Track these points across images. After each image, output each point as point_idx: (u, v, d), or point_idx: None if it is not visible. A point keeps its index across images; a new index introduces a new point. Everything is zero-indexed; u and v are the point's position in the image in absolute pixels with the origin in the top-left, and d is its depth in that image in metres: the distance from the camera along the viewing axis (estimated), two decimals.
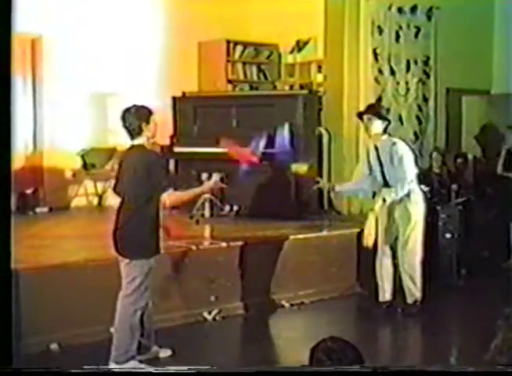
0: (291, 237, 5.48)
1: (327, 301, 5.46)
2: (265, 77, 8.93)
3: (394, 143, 4.84)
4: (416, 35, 7.33)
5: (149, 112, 3.80)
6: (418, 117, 7.40)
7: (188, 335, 4.50)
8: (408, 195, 4.87)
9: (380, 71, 7.09)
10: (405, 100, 7.30)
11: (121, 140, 7.65)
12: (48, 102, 7.34)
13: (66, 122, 7.37)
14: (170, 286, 4.77)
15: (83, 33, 7.39)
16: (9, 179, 2.69)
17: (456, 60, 7.39)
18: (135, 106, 3.83)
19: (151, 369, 3.46)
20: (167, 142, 7.01)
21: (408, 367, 2.50)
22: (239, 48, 8.69)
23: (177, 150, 6.90)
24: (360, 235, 5.76)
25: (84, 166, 7.50)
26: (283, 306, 5.29)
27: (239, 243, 5.21)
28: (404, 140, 5.14)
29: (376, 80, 7.05)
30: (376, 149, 4.88)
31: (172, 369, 2.70)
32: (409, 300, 5.02)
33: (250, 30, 8.62)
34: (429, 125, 7.53)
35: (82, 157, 7.49)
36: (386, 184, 4.91)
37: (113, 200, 7.66)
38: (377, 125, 4.84)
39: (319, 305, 5.37)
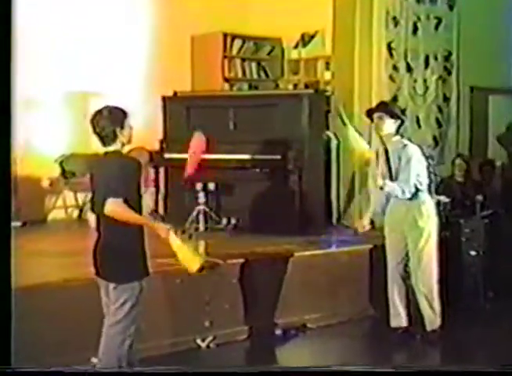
0: (296, 254, 5.51)
1: (336, 326, 5.49)
2: (266, 75, 8.99)
3: (405, 146, 4.89)
4: (437, 27, 7.38)
5: (124, 114, 3.77)
6: (438, 120, 7.43)
7: (178, 365, 4.51)
8: (418, 207, 4.90)
9: (396, 68, 7.14)
10: (423, 100, 7.34)
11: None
12: (22, 101, 7.40)
13: (43, 124, 7.39)
14: (158, 309, 4.78)
15: (61, 23, 7.39)
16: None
17: (482, 55, 7.41)
18: (107, 107, 3.77)
19: (151, 369, 3.50)
20: (156, 147, 7.06)
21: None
22: (237, 42, 8.76)
23: (167, 156, 6.94)
24: (373, 251, 5.83)
25: (63, 174, 7.53)
26: (286, 332, 5.31)
27: (238, 260, 5.24)
28: (420, 146, 5.18)
29: (390, 78, 7.10)
30: (386, 152, 4.91)
31: (173, 369, 2.75)
32: (429, 327, 5.04)
33: (249, 22, 8.68)
34: (450, 129, 7.57)
35: (61, 163, 7.52)
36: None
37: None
38: (389, 125, 4.88)
39: (326, 331, 5.40)
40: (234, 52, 8.74)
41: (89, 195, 7.64)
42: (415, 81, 7.27)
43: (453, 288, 5.87)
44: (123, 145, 3.77)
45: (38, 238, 6.62)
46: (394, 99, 7.07)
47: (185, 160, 6.52)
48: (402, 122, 4.97)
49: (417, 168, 4.88)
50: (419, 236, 4.92)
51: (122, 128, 3.72)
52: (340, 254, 5.80)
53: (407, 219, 4.92)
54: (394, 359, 4.97)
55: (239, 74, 8.79)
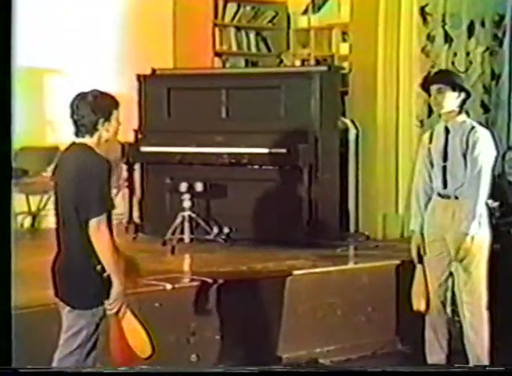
0: (303, 272, 5.57)
1: (355, 363, 5.53)
2: (268, 49, 9.04)
3: (473, 128, 4.84)
4: None
5: (114, 104, 3.85)
6: (484, 103, 7.48)
7: None
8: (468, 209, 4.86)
9: (431, 38, 7.18)
10: (465, 79, 7.35)
11: (65, 136, 7.89)
12: None
13: (15, 107, 7.42)
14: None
15: None
16: None
17: None
18: (93, 91, 3.84)
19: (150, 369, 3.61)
20: (130, 138, 7.11)
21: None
22: (231, 6, 8.81)
23: (144, 149, 7.00)
24: (400, 268, 5.88)
25: (12, 173, 7.58)
26: (292, 370, 5.36)
27: (231, 279, 5.29)
28: (491, 130, 5.16)
29: (424, 51, 7.15)
30: (447, 132, 4.90)
31: (171, 368, 2.87)
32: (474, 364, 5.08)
33: None
34: (500, 114, 7.61)
35: None
36: (444, 187, 4.94)
37: (53, 221, 7.81)
38: (451, 99, 4.84)
39: (344, 368, 5.43)
40: (227, 19, 8.79)
41: (45, 198, 7.81)
42: (455, 54, 7.30)
43: (505, 315, 5.93)
44: (99, 140, 3.82)
45: None
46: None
47: (166, 154, 6.60)
48: (468, 96, 4.92)
49: (489, 167, 4.82)
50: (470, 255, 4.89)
51: (107, 120, 3.79)
52: (359, 272, 5.85)
53: (453, 225, 4.89)
54: None
55: (234, 47, 8.84)
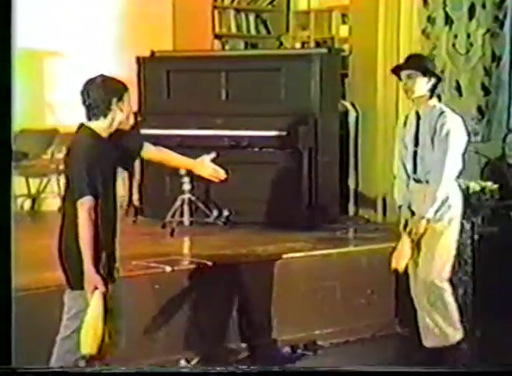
0: (303, 254, 5.61)
1: (354, 345, 5.58)
2: (267, 31, 9.04)
3: (442, 113, 4.85)
4: None
5: (124, 87, 3.92)
6: (484, 86, 7.48)
7: None
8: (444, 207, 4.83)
9: (431, 20, 7.18)
10: (466, 61, 7.38)
11: (65, 118, 7.90)
12: None
13: (15, 96, 7.43)
14: (132, 324, 4.88)
15: None
16: None
17: None
18: (101, 75, 3.92)
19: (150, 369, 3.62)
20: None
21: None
22: None
23: (144, 132, 7.00)
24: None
25: (12, 155, 7.60)
26: (293, 351, 5.41)
27: (231, 262, 5.34)
28: (461, 116, 5.20)
29: (424, 33, 7.14)
30: (418, 117, 4.91)
31: (172, 369, 2.91)
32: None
33: None
34: (500, 96, 7.60)
35: None
36: (415, 172, 4.92)
37: (53, 204, 7.83)
38: (421, 84, 4.84)
39: (342, 350, 5.49)
40: (226, 1, 8.80)
41: (44, 181, 7.82)
42: (455, 36, 7.30)
43: (503, 299, 5.96)
44: (112, 121, 3.86)
45: None
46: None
47: (165, 137, 6.60)
48: (439, 80, 4.93)
49: (457, 151, 4.83)
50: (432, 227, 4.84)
51: (120, 100, 3.86)
52: (358, 255, 5.88)
53: (424, 208, 4.82)
54: None
55: (233, 29, 8.84)
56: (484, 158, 6.96)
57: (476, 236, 5.92)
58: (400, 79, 4.96)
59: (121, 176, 7.93)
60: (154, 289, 5.00)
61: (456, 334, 5.04)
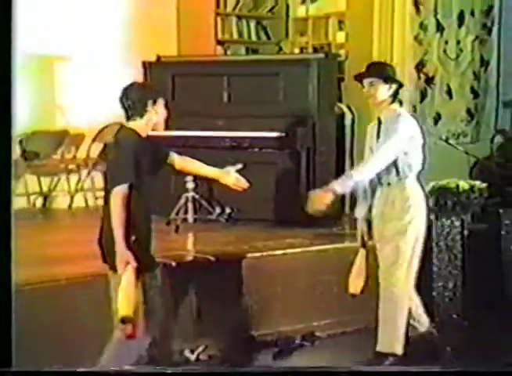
0: (301, 249, 5.59)
1: (351, 335, 5.55)
2: (267, 37, 9.04)
3: (399, 115, 4.76)
4: None
5: (158, 92, 4.19)
6: (473, 89, 7.47)
7: None
8: (401, 194, 4.77)
9: (423, 27, 7.18)
10: (456, 66, 7.39)
11: (74, 120, 7.89)
12: None
13: (15, 97, 7.40)
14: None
15: None
16: None
17: None
18: (137, 82, 4.26)
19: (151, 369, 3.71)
20: None
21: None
22: None
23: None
24: None
25: (24, 155, 7.59)
26: (292, 341, 5.38)
27: (232, 257, 5.30)
28: (418, 120, 5.01)
29: (416, 39, 7.15)
30: (379, 123, 4.80)
31: (170, 369, 2.91)
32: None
33: None
34: (489, 99, 7.61)
35: (20, 142, 7.57)
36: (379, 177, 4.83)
37: (63, 202, 7.82)
38: (383, 91, 4.76)
39: (339, 340, 5.47)
40: (229, 8, 8.78)
41: (55, 180, 7.81)
42: (446, 42, 7.31)
43: (491, 292, 5.95)
44: (148, 122, 4.08)
45: None
46: (421, 64, 7.11)
47: (170, 138, 6.55)
48: (400, 87, 4.84)
49: (404, 145, 4.71)
50: (397, 227, 4.77)
51: (155, 103, 4.08)
52: (354, 250, 5.84)
53: (385, 212, 4.80)
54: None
55: (235, 35, 8.84)
56: (473, 158, 6.93)
57: (466, 233, 5.90)
58: (363, 86, 4.85)
59: None
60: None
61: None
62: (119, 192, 3.92)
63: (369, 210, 4.92)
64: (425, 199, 4.91)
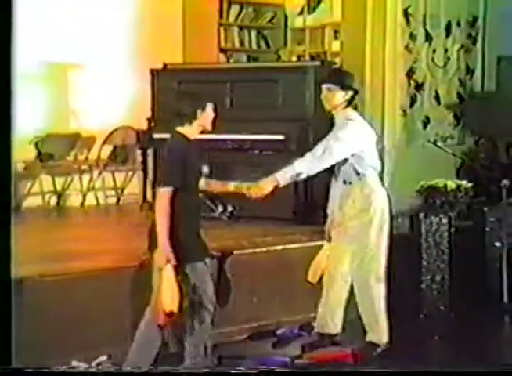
0: (300, 245, 5.62)
1: (347, 325, 5.56)
2: (267, 45, 9.05)
3: (349, 119, 4.78)
4: None
5: (207, 99, 4.32)
6: (460, 94, 7.48)
7: None
8: (359, 194, 4.78)
9: (413, 37, 7.17)
10: (443, 73, 7.39)
11: (86, 124, 7.91)
12: None
13: (15, 100, 7.40)
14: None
15: None
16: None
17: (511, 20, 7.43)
18: (188, 92, 4.46)
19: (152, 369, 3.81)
20: (144, 126, 7.12)
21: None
22: (234, 8, 8.81)
23: (156, 136, 6.99)
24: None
25: (39, 157, 7.60)
26: (290, 331, 5.40)
27: (234, 252, 5.33)
28: (371, 124, 5.06)
29: (407, 48, 7.14)
30: (332, 126, 4.86)
31: (172, 369, 2.95)
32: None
33: None
34: (474, 105, 7.60)
35: (36, 145, 7.59)
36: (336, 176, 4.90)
37: (76, 200, 7.84)
38: (339, 97, 4.80)
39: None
40: (231, 19, 8.79)
41: (68, 180, 7.83)
42: (434, 51, 7.31)
43: (476, 285, 5.97)
44: (196, 128, 4.27)
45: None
46: (411, 71, 7.12)
47: None
48: (356, 93, 4.86)
49: (352, 147, 4.74)
50: (357, 226, 4.80)
51: (203, 110, 4.25)
52: None
53: (347, 209, 4.83)
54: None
55: (237, 44, 8.85)
56: (459, 159, 6.95)
57: (452, 229, 5.93)
58: (321, 90, 4.89)
59: (137, 175, 7.97)
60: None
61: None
62: (165, 193, 4.06)
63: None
64: (387, 197, 4.91)
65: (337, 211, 4.91)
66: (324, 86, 4.87)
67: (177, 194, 4.09)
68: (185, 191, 4.14)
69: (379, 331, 4.87)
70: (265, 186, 4.70)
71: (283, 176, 4.70)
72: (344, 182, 4.85)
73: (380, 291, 4.85)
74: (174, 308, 4.05)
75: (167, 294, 4.04)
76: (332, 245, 4.98)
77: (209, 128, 4.35)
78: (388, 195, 4.94)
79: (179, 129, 4.26)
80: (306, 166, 4.74)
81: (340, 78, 4.91)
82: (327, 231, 5.05)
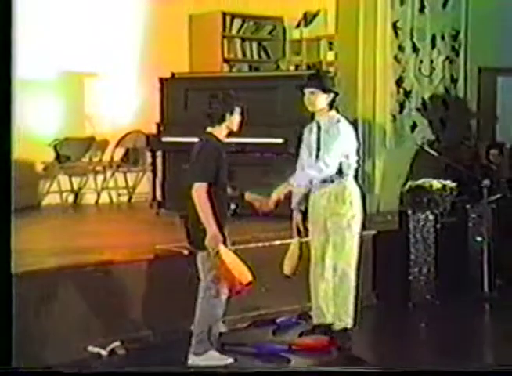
0: (297, 240, 5.55)
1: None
2: (267, 56, 9.04)
3: (338, 121, 4.76)
4: (445, 5, 7.42)
5: (237, 102, 4.35)
6: (445, 102, 7.48)
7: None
8: (342, 192, 4.74)
9: (401, 48, 7.19)
10: (429, 82, 7.40)
11: (100, 128, 7.92)
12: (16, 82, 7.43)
13: (36, 106, 7.43)
14: (157, 297, 4.88)
15: (57, 1, 7.45)
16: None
17: (491, 34, 7.46)
18: (223, 92, 4.39)
19: (152, 369, 3.78)
20: (153, 130, 7.12)
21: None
22: (236, 21, 8.80)
23: (165, 139, 7.00)
24: (376, 237, 5.90)
25: (58, 158, 7.61)
26: (289, 320, 5.39)
27: (238, 246, 5.32)
28: (354, 126, 5.05)
29: (396, 58, 7.15)
30: (319, 127, 4.80)
31: (173, 369, 2.95)
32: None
33: (249, 0, 8.72)
34: (457, 111, 7.61)
35: (55, 147, 7.60)
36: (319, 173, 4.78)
37: (91, 198, 7.85)
38: (322, 100, 4.76)
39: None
40: (234, 31, 8.79)
41: (84, 179, 7.84)
42: (421, 61, 7.32)
43: (459, 276, 5.98)
44: (225, 129, 4.32)
45: (32, 223, 6.64)
46: (400, 80, 7.12)
47: (183, 143, 6.58)
48: (336, 95, 4.82)
49: (346, 147, 4.72)
50: (339, 222, 4.75)
51: (232, 114, 4.30)
52: None
53: (329, 207, 4.76)
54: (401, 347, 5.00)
55: (239, 55, 8.84)
56: (444, 162, 6.95)
57: (438, 225, 5.93)
58: (303, 94, 4.85)
59: (147, 175, 7.97)
60: (175, 269, 4.98)
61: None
62: (201, 187, 4.15)
63: (306, 202, 4.91)
64: (361, 195, 4.90)
65: (317, 207, 4.84)
66: (307, 90, 4.82)
67: (210, 188, 4.18)
68: (216, 185, 4.22)
69: (346, 319, 4.82)
70: (268, 203, 4.81)
71: (298, 183, 4.77)
72: (325, 180, 4.76)
73: (354, 281, 4.84)
74: (250, 277, 4.20)
75: (238, 268, 4.17)
76: (311, 240, 4.91)
77: (235, 129, 4.38)
78: (362, 192, 4.96)
79: (209, 130, 4.32)
80: (312, 174, 4.76)
81: (322, 82, 4.86)
82: (295, 226, 4.98)
